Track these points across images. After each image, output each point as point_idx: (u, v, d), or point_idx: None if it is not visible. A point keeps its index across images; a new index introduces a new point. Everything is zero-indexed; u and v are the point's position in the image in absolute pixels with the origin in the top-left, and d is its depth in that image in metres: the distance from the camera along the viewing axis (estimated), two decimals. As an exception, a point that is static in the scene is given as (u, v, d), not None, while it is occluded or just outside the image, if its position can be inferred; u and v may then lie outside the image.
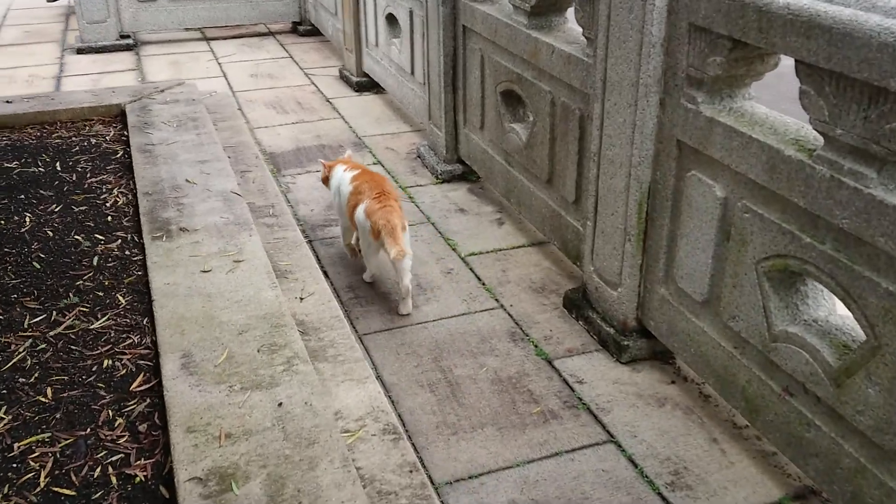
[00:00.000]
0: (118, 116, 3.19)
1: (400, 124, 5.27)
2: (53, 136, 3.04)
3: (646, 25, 2.51)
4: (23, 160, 2.81)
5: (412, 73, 4.96)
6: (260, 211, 2.58)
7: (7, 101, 3.27)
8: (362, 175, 3.31)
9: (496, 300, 3.31)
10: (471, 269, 3.55)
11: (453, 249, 3.71)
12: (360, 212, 3.10)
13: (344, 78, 6.12)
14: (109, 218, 2.37)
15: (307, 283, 2.17)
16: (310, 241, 3.79)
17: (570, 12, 3.24)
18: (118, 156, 2.83)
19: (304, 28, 7.45)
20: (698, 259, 2.52)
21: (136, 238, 2.25)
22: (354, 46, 5.86)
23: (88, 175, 2.70)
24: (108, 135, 3.03)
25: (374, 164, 4.66)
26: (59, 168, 2.75)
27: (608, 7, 2.68)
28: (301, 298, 2.06)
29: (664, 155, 2.60)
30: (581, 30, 3.06)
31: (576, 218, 3.28)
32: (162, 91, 3.40)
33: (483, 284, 3.43)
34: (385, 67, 5.46)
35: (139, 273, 2.07)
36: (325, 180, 3.57)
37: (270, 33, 7.58)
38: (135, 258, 2.15)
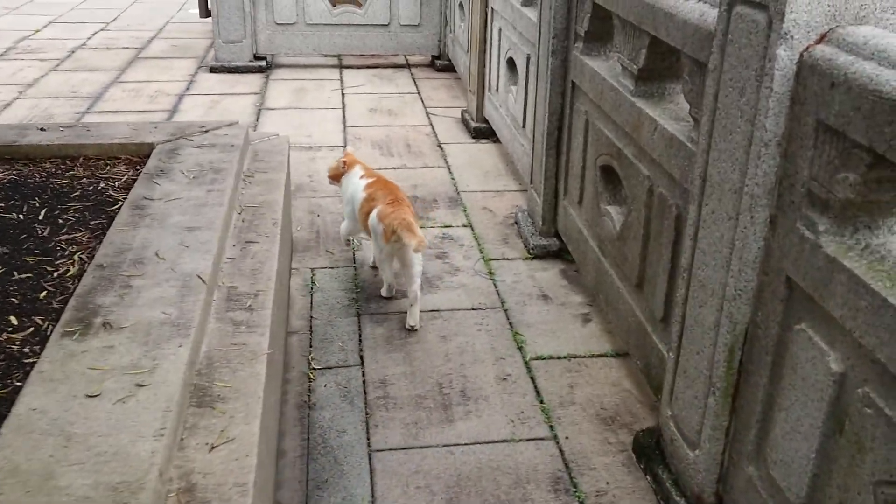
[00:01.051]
0: (146, 157, 2.81)
1: (507, 181, 4.70)
2: (66, 174, 2.70)
3: (758, 116, 1.82)
4: (11, 202, 2.47)
5: (523, 125, 4.38)
6: (235, 301, 2.09)
7: (41, 129, 2.98)
8: (377, 183, 3.39)
9: (550, 427, 2.66)
10: (532, 377, 2.91)
11: (519, 348, 3.08)
12: (372, 216, 3.18)
13: (464, 122, 5.63)
14: (43, 294, 1.96)
15: (234, 421, 1.64)
16: (358, 314, 3.28)
17: (686, 81, 2.57)
18: (114, 208, 2.43)
19: (442, 63, 7.03)
20: (798, 447, 1.78)
21: (50, 328, 1.82)
22: (477, 89, 5.36)
23: (64, 230, 2.30)
24: (122, 179, 2.65)
25: (464, 225, 4.11)
26: (41, 217, 2.38)
27: (716, 83, 2.00)
28: (212, 447, 1.54)
29: (768, 292, 1.89)
30: (689, 106, 2.38)
31: (662, 339, 2.58)
32: (206, 131, 3.00)
33: (541, 402, 2.78)
34: (502, 116, 4.91)
35: (18, 384, 1.63)
36: (336, 178, 3.61)
37: (407, 66, 7.22)
38: (27, 359, 1.72)
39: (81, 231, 2.29)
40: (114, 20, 8.72)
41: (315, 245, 3.87)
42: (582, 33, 3.28)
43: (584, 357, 3.04)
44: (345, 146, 5.17)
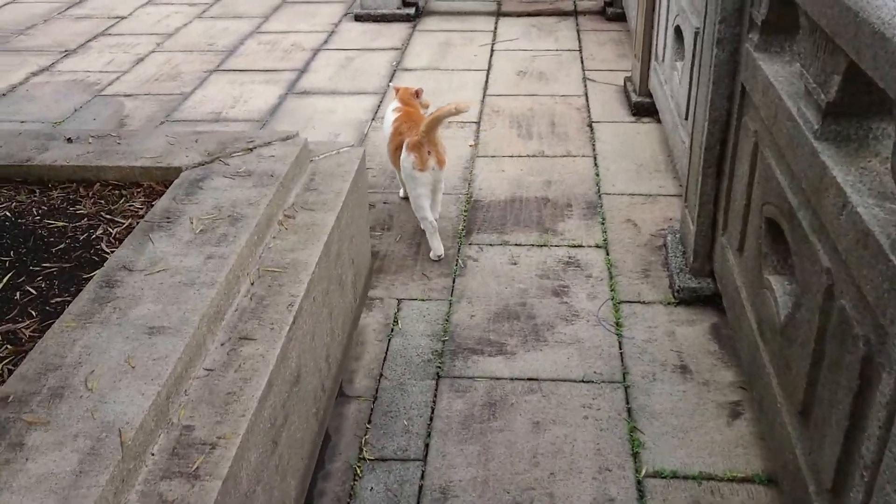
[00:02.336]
0: (170, 185, 2.27)
1: (664, 179, 3.80)
2: (68, 211, 2.21)
3: None
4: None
5: (686, 116, 3.46)
6: (181, 457, 1.50)
7: (68, 140, 2.50)
8: (403, 115, 3.34)
9: None
10: (642, 508, 2.16)
11: (634, 454, 2.32)
12: (403, 152, 3.18)
13: (625, 92, 4.70)
14: None
15: None
16: (437, 376, 2.63)
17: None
18: (92, 274, 1.90)
19: (614, 11, 6.04)
20: None
21: None
22: (642, 54, 4.41)
23: (11, 315, 1.81)
24: (125, 224, 2.12)
25: (598, 245, 3.31)
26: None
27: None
28: None
29: None
30: (901, 187, 1.49)
31: (828, 516, 1.74)
32: (251, 149, 2.41)
33: (648, 554, 2.04)
34: (666, 95, 3.97)
35: None
36: None
37: (574, 13, 6.27)
38: None
39: (30, 318, 1.78)
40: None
41: (412, 264, 3.24)
42: (758, 21, 2.35)
43: (722, 480, 2.23)
44: (478, 123, 4.44)
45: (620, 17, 5.97)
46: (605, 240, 3.35)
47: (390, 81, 5.01)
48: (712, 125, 2.69)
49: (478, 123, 4.44)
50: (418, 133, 3.12)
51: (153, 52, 5.67)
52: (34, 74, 5.30)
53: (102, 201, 2.27)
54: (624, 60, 5.26)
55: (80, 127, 4.52)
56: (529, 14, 6.24)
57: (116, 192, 2.31)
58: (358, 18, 6.17)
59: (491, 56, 5.42)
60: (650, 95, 4.43)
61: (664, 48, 4.02)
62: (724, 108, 2.65)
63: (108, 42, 5.89)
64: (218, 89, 4.99)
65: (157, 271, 1.86)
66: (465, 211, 3.60)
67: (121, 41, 5.90)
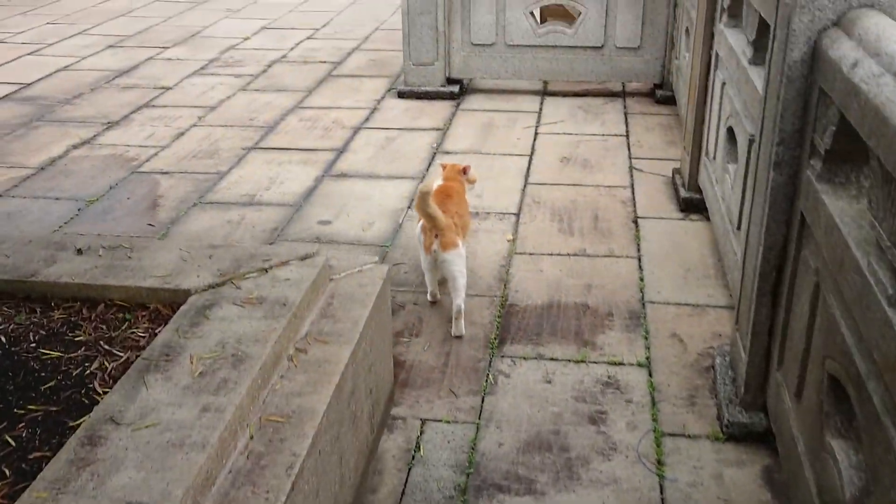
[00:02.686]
0: (178, 308, 2.12)
1: (713, 288, 3.56)
2: (66, 338, 2.07)
3: None
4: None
5: (738, 226, 3.24)
6: None
7: (78, 251, 2.38)
8: (438, 191, 3.33)
9: None
10: None
11: None
12: (417, 228, 3.27)
13: (673, 184, 4.49)
14: None
15: None
16: (459, 521, 2.41)
17: None
18: (78, 423, 1.74)
19: (663, 94, 5.86)
20: None
21: None
22: (692, 147, 4.21)
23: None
24: (122, 357, 1.97)
25: (640, 364, 3.07)
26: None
27: None
28: None
29: None
30: None
31: None
32: (267, 269, 2.25)
33: None
34: (717, 196, 3.76)
35: None
36: None
37: (622, 94, 6.11)
38: None
39: (2, 479, 1.61)
40: (324, 26, 8.35)
41: (439, 378, 3.04)
42: (821, 149, 2.14)
43: None
44: (518, 215, 4.27)
45: (670, 101, 5.79)
46: (647, 357, 3.12)
47: (430, 165, 4.88)
48: (767, 251, 2.47)
49: (517, 215, 4.26)
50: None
51: (194, 126, 5.64)
52: (75, 147, 5.29)
53: (104, 326, 2.12)
54: (673, 148, 5.06)
55: (113, 206, 4.45)
56: (576, 94, 6.09)
57: (120, 315, 2.17)
58: (401, 95, 6.09)
59: (534, 140, 5.27)
60: (699, 191, 4.21)
61: (715, 146, 3.82)
62: (781, 235, 2.43)
63: (150, 114, 5.88)
64: (254, 169, 4.90)
65: (146, 426, 1.69)
66: (498, 317, 3.40)
67: (163, 113, 5.89)
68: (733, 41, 3.49)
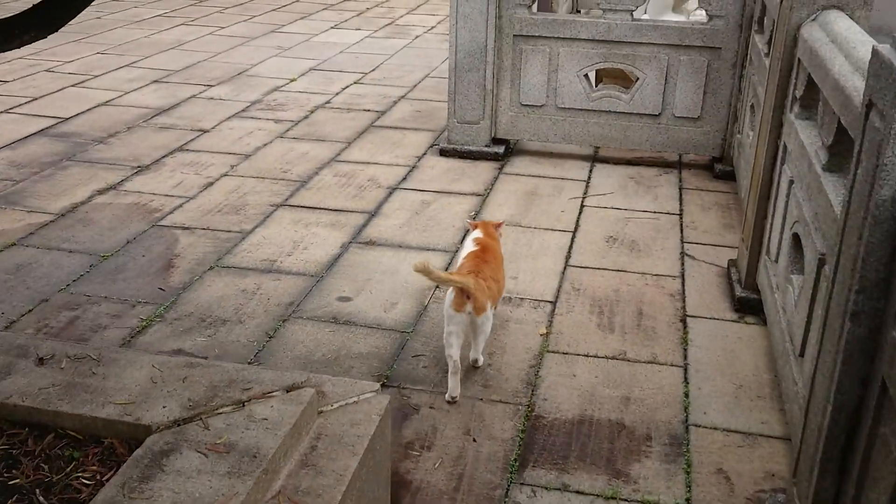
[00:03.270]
0: (137, 446, 1.82)
1: (768, 413, 3.15)
2: (2, 476, 1.77)
3: None
4: None
5: (801, 352, 2.83)
6: None
7: (39, 360, 2.11)
8: (472, 253, 3.31)
9: None
10: None
11: None
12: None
13: (728, 278, 4.09)
14: None
15: None
16: None
17: None
18: None
19: (722, 168, 5.46)
20: None
21: None
22: (751, 240, 3.82)
23: None
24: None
25: (679, 507, 2.68)
26: None
27: None
28: None
29: None
30: None
31: None
32: (244, 403, 1.94)
33: None
34: (776, 304, 3.35)
35: None
36: None
37: (678, 165, 5.73)
38: None
39: None
40: (373, 70, 8.13)
41: (450, 501, 2.68)
42: (913, 312, 1.76)
43: None
44: (554, 303, 3.91)
45: (729, 176, 5.39)
46: (688, 499, 2.72)
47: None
48: (837, 412, 2.08)
49: (554, 304, 3.91)
50: (467, 274, 3.12)
51: (225, 175, 5.42)
52: (99, 193, 5.09)
53: (47, 466, 1.82)
54: (730, 233, 4.66)
55: (126, 264, 4.22)
56: (629, 162, 5.72)
57: (69, 451, 1.87)
58: (443, 153, 5.80)
59: (580, 213, 4.91)
60: (757, 291, 3.81)
61: (778, 248, 3.43)
62: (856, 395, 2.04)
63: (183, 159, 5.68)
64: (280, 229, 4.64)
65: None
66: (522, 431, 3.03)
67: (196, 159, 5.69)
68: (805, 137, 3.12)
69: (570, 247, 4.49)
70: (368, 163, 5.67)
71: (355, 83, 7.66)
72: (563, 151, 5.88)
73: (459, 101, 5.67)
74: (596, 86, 6.04)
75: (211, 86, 7.47)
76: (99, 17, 10.21)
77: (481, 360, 3.32)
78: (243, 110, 6.80)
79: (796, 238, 3.12)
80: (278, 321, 3.73)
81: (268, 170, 5.52)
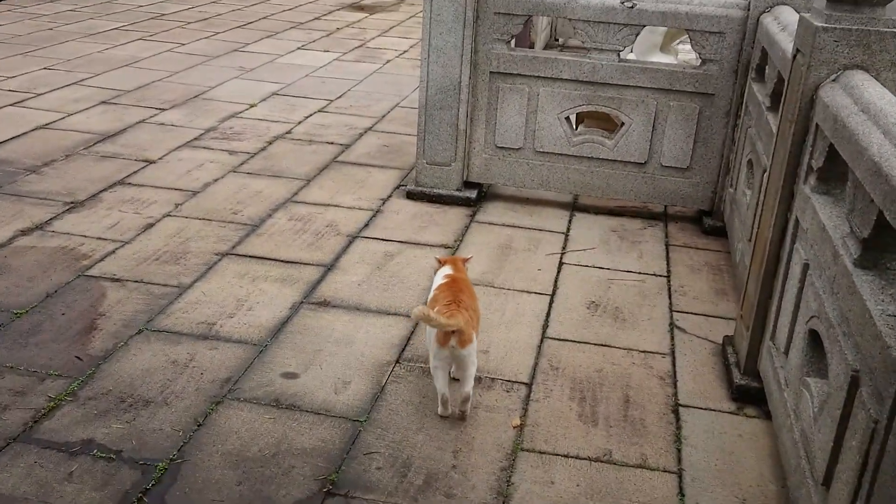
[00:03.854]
0: None
1: (779, 541, 2.70)
2: None
3: None
4: None
5: (825, 482, 2.38)
6: None
7: None
8: (446, 284, 3.26)
9: None
10: None
11: None
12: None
13: (724, 358, 3.66)
14: None
15: None
16: None
17: None
18: None
19: (712, 224, 5.05)
20: None
21: None
22: (752, 321, 3.38)
23: None
24: None
25: None
26: None
27: None
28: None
29: None
30: None
31: None
32: None
33: None
34: (785, 403, 2.91)
35: None
36: None
37: (664, 217, 5.32)
38: None
39: None
40: (340, 96, 7.65)
41: None
42: None
43: None
44: (530, 386, 3.44)
45: (720, 232, 4.98)
46: None
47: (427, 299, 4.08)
48: None
49: (529, 386, 3.44)
50: (449, 308, 3.04)
51: (168, 215, 4.89)
52: (23, 233, 4.54)
53: None
54: (723, 301, 4.24)
55: (42, 324, 3.68)
56: (611, 212, 5.29)
57: None
58: (410, 196, 5.32)
59: (558, 272, 4.46)
60: (758, 377, 3.38)
61: (788, 341, 2.99)
62: (922, 589, 1.59)
63: (122, 195, 5.15)
64: (223, 284, 4.12)
65: None
66: (490, 559, 2.55)
67: (137, 195, 5.16)
68: (826, 218, 2.69)
69: (548, 313, 4.03)
70: (328, 205, 5.18)
71: (319, 111, 7.17)
72: (541, 198, 5.44)
73: (430, 140, 5.21)
74: (576, 128, 5.62)
75: (163, 109, 6.94)
76: (51, 29, 9.65)
77: (470, 393, 3.13)
78: (196, 139, 6.28)
79: (814, 335, 2.68)
80: (211, 403, 3.21)
81: (216, 210, 5.01)
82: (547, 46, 10.26)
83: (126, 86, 7.54)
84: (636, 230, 5.07)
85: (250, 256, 4.44)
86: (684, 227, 5.16)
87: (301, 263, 4.39)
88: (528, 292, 4.22)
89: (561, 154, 5.16)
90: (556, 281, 4.36)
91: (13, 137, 6.05)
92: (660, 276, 4.49)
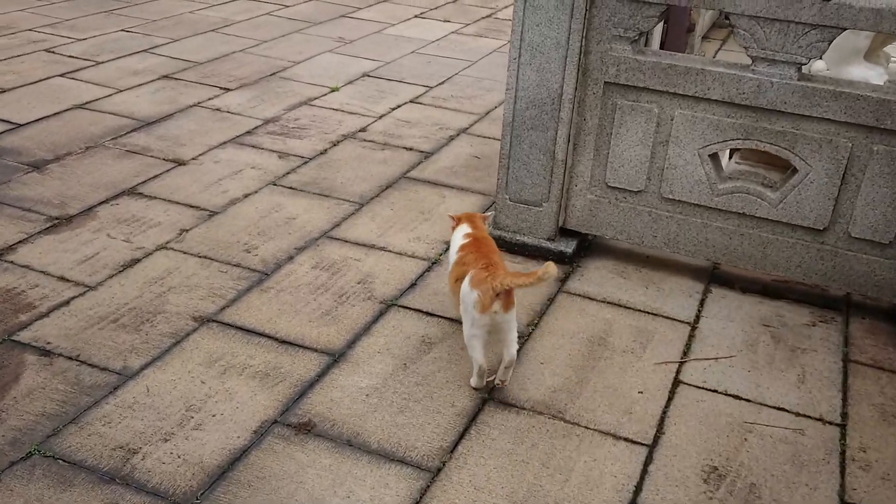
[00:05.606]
0: None
1: None
2: None
3: None
4: None
5: None
6: None
7: None
8: (472, 244, 3.05)
9: None
10: None
11: None
12: (464, 285, 2.82)
13: None
14: None
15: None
16: None
17: None
18: None
19: (920, 329, 3.37)
20: None
21: None
22: None
23: None
24: None
25: None
26: None
27: None
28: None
29: None
30: None
31: None
32: None
33: None
34: None
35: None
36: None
37: (844, 306, 3.67)
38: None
39: None
40: (443, 82, 6.30)
41: None
42: None
43: None
44: None
45: (931, 345, 3.30)
46: None
47: (451, 452, 2.73)
48: None
49: None
50: (488, 270, 2.79)
51: (164, 247, 3.77)
52: (-27, 262, 3.54)
53: None
54: (931, 485, 2.63)
55: None
56: (765, 291, 3.70)
57: None
58: (485, 240, 3.93)
59: (669, 399, 2.97)
60: None
61: None
62: None
63: (124, 210, 4.09)
64: (180, 375, 2.93)
65: None
66: None
67: (141, 211, 4.08)
68: None
69: (640, 483, 2.58)
70: (372, 246, 3.89)
71: (411, 101, 5.86)
72: (665, 259, 3.91)
73: (515, 170, 3.79)
74: (730, 157, 4.03)
75: (228, 89, 5.84)
76: (153, -18, 8.77)
77: (515, 357, 2.85)
78: (248, 132, 5.13)
79: None
80: None
81: (227, 244, 3.83)
82: (714, 27, 8.44)
83: (199, 56, 6.50)
84: (800, 327, 3.47)
85: (237, 328, 3.23)
86: (875, 330, 3.50)
87: (301, 346, 3.14)
88: (615, 436, 2.78)
89: (699, 205, 3.61)
90: (662, 418, 2.89)
91: (41, 118, 5.13)
92: (829, 422, 2.92)
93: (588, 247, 3.99)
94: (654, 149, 3.59)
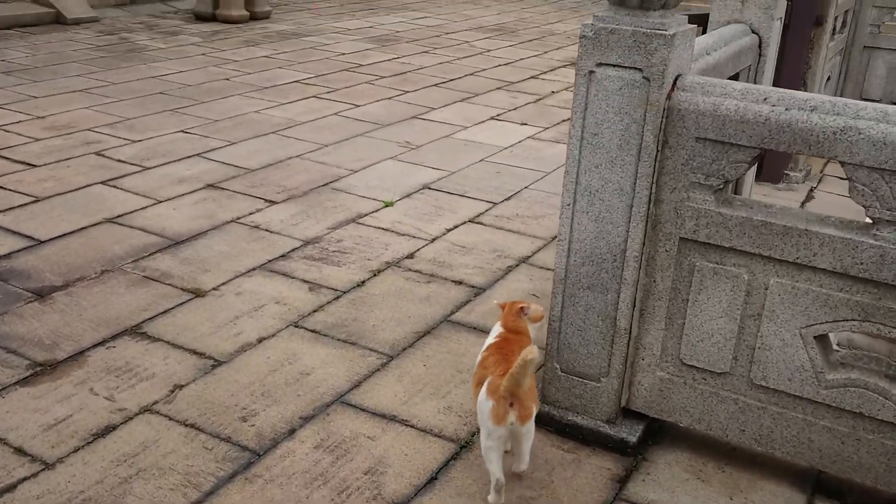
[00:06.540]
0: None
1: None
2: None
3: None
4: None
5: None
6: None
7: None
8: (497, 344, 2.89)
9: None
10: None
11: None
12: (482, 392, 2.67)
13: None
14: None
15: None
16: None
17: None
18: None
19: None
20: None
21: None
22: None
23: None
24: None
25: None
26: None
27: None
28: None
29: None
30: None
31: None
32: None
33: None
34: None
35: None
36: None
37: None
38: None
39: None
40: (510, 196, 5.70)
41: None
42: None
43: None
44: None
45: None
46: None
47: None
48: None
49: None
50: (502, 377, 2.60)
51: (147, 410, 3.22)
52: (-72, 423, 3.05)
53: None
54: None
55: None
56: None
57: None
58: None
59: None
60: None
61: None
62: None
63: (119, 356, 3.58)
64: None
65: None
66: None
67: (137, 359, 3.55)
68: None
69: None
70: (392, 418, 3.23)
71: (470, 221, 5.26)
72: (755, 455, 3.09)
73: (568, 335, 3.09)
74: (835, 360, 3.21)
75: (273, 202, 5.38)
76: (227, 79, 8.61)
77: (525, 471, 2.79)
78: (282, 256, 4.61)
79: None
80: None
81: (222, 408, 3.24)
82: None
83: (251, 162, 6.11)
84: (940, 575, 2.59)
85: (203, 537, 2.59)
86: None
87: (274, 573, 2.47)
88: None
89: (800, 397, 2.81)
90: None
91: (65, 234, 4.75)
92: None
93: (658, 433, 3.21)
94: (743, 323, 2.84)
